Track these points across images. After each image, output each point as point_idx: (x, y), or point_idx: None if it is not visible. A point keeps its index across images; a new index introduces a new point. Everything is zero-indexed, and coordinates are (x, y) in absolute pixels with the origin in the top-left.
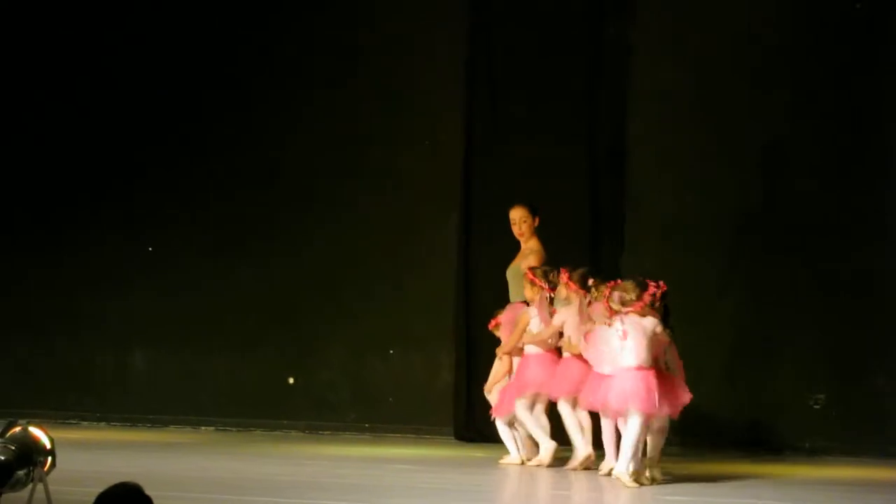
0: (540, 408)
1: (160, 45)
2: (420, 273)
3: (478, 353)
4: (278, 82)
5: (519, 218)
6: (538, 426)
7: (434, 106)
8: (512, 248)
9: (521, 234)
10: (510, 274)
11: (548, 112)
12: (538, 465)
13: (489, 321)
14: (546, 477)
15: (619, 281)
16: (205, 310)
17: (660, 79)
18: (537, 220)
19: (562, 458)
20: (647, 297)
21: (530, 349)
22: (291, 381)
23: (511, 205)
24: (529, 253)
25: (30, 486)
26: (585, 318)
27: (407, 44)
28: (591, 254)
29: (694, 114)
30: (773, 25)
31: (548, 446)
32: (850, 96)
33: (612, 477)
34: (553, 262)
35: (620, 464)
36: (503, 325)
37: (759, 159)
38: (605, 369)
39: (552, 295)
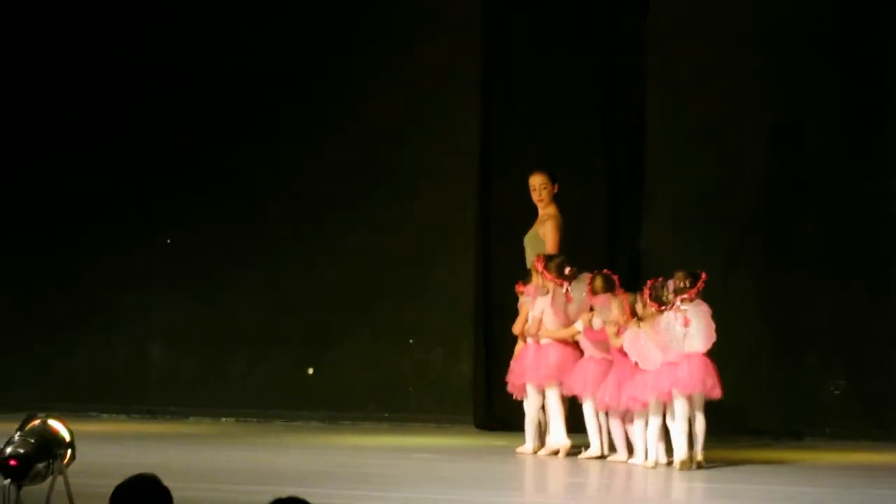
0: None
1: (182, 41)
2: (439, 263)
3: (497, 343)
4: (298, 89)
5: (539, 184)
6: (559, 414)
7: (451, 95)
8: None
9: (541, 200)
10: (527, 240)
11: (565, 96)
12: (550, 454)
13: (513, 295)
14: (561, 466)
15: (650, 281)
16: (224, 301)
17: (678, 60)
18: (556, 187)
19: (578, 445)
20: (700, 284)
21: (544, 340)
22: (311, 371)
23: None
24: (547, 219)
25: (49, 478)
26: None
27: (422, 36)
28: (608, 238)
29: (712, 96)
30: (790, 9)
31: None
32: (868, 82)
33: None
34: (571, 247)
35: (681, 450)
36: (525, 295)
37: (776, 143)
38: (669, 357)
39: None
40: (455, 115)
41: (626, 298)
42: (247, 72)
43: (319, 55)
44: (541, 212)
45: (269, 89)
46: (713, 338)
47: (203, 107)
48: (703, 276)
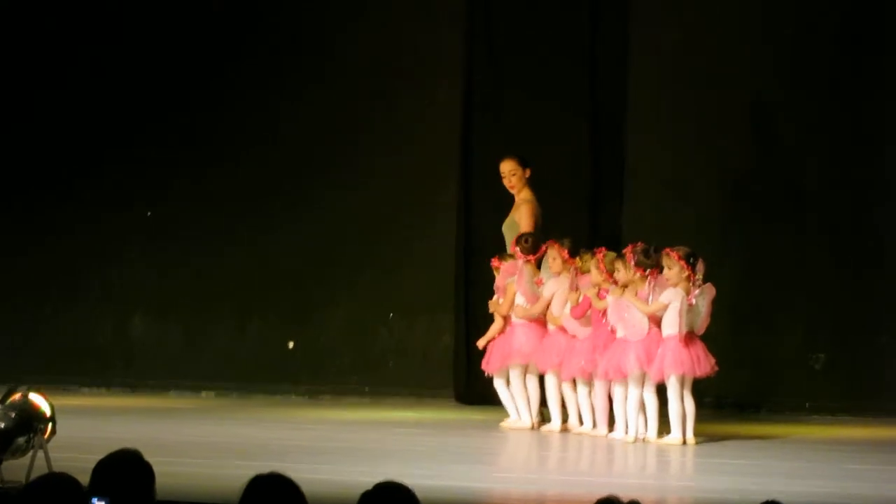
0: (530, 378)
1: (158, 11)
2: (420, 236)
3: (478, 317)
4: (275, 46)
5: (508, 171)
6: (523, 396)
7: (432, 68)
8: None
9: (513, 187)
10: (506, 228)
11: (547, 73)
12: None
13: (491, 267)
14: (546, 440)
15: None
16: (205, 275)
17: (659, 38)
18: (528, 172)
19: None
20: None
21: (517, 319)
22: (291, 345)
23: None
24: (521, 203)
25: (30, 452)
26: (574, 288)
27: (405, 2)
28: (590, 214)
29: (694, 73)
30: None
31: (525, 420)
32: (854, 53)
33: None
34: (553, 223)
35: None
36: (502, 273)
37: (759, 119)
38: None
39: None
40: (438, 89)
41: (602, 258)
42: (232, 40)
43: (290, 18)
44: (516, 198)
45: (252, 62)
46: (708, 321)
47: (193, 78)
48: (700, 263)
